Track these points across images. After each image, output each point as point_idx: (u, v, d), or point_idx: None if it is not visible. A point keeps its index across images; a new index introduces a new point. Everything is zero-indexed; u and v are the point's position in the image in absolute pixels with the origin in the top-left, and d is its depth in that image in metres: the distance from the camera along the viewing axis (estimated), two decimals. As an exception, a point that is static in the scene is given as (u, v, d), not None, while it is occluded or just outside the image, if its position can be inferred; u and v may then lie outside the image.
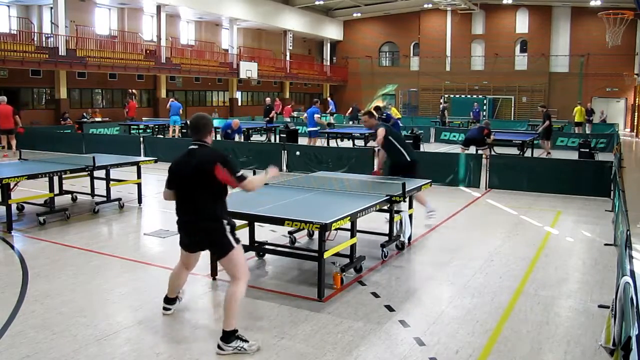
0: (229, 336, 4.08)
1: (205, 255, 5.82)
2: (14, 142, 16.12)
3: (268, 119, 21.09)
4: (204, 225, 4.24)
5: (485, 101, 35.87)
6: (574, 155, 15.01)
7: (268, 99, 23.13)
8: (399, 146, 7.72)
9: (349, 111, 29.24)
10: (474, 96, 35.22)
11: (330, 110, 31.32)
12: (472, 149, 14.54)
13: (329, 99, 30.65)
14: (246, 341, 4.10)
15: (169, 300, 4.79)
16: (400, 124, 20.92)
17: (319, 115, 17.45)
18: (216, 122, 18.87)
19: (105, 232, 7.92)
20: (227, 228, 4.23)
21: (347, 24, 42.28)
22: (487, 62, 37.52)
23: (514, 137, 16.22)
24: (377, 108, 19.29)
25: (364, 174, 9.77)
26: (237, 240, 4.27)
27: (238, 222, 6.00)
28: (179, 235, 4.51)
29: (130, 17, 28.30)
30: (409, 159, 7.71)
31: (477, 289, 5.47)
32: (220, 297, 5.24)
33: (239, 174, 4.23)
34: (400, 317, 4.75)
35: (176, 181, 4.34)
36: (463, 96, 36.33)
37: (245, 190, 4.35)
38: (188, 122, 4.57)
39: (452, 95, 37.64)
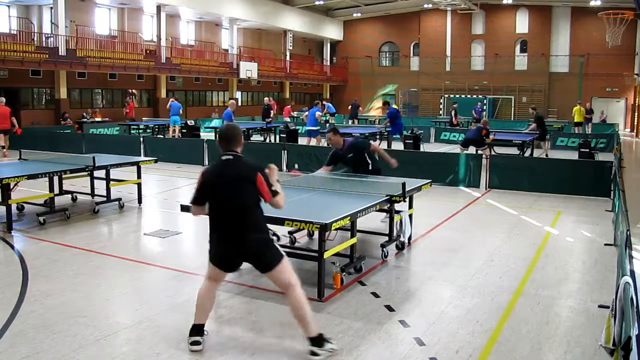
0: (318, 341, 4.00)
1: (205, 255, 5.82)
2: (7, 143, 16.13)
3: (269, 119, 21.09)
4: (252, 238, 4.04)
5: (485, 101, 35.83)
6: (574, 155, 15.01)
7: (266, 99, 23.12)
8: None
9: (350, 108, 29.21)
10: (474, 96, 35.19)
11: (326, 111, 31.27)
12: (471, 149, 14.54)
13: (325, 102, 30.75)
14: (330, 342, 4.07)
15: (199, 330, 4.15)
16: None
17: (320, 113, 17.48)
18: (216, 123, 18.94)
19: (105, 232, 7.92)
20: (274, 238, 4.17)
21: (347, 24, 42.28)
22: (487, 62, 37.51)
23: (514, 137, 16.22)
24: (385, 102, 19.28)
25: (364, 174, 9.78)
26: (281, 248, 4.21)
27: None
28: (214, 252, 4.19)
29: (130, 17, 28.30)
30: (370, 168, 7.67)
31: (477, 289, 5.47)
32: (221, 296, 5.24)
33: (274, 188, 4.12)
34: (400, 317, 4.75)
35: (215, 194, 4.09)
36: (464, 96, 36.32)
37: (274, 207, 4.19)
38: (217, 132, 4.54)
39: (452, 95, 37.63)
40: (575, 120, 24.97)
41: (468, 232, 7.93)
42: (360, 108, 30.21)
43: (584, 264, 6.44)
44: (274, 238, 4.14)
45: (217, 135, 4.23)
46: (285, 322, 4.62)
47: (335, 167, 7.85)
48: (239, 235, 4.05)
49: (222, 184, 4.05)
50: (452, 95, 37.55)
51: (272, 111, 22.34)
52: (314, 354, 3.98)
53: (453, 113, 25.96)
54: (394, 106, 19.98)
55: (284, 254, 4.17)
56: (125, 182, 9.63)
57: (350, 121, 28.38)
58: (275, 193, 4.12)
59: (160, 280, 5.71)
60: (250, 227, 4.05)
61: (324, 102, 27.36)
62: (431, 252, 6.90)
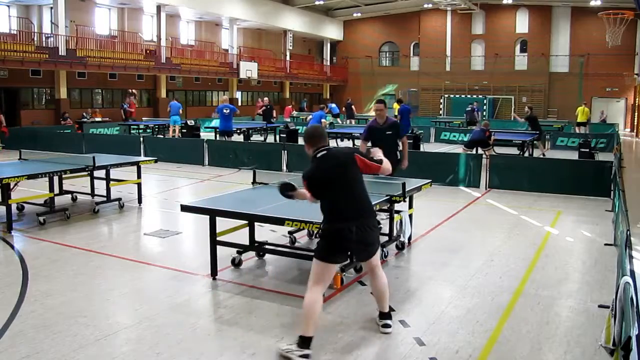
0: (389, 315, 4.50)
1: (205, 255, 5.84)
2: None
3: (274, 118, 21.09)
4: (369, 222, 4.19)
5: (485, 101, 35.87)
6: (574, 155, 15.01)
7: (266, 99, 23.11)
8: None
9: (344, 109, 29.23)
10: (474, 96, 35.19)
11: (328, 111, 31.18)
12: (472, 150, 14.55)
13: (328, 103, 30.70)
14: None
15: (307, 342, 3.96)
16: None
17: (325, 120, 17.35)
18: (216, 123, 18.94)
19: (105, 232, 7.92)
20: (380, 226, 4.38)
21: (347, 24, 42.28)
22: (487, 62, 37.51)
23: (514, 137, 16.22)
24: (399, 100, 19.25)
25: (363, 174, 9.78)
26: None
27: (238, 222, 6.05)
28: (327, 246, 4.14)
29: (130, 17, 28.30)
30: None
31: (477, 289, 5.47)
32: (221, 296, 5.24)
33: (376, 158, 4.43)
34: (400, 317, 4.75)
35: (331, 184, 4.15)
36: (463, 96, 36.33)
37: (385, 174, 4.54)
38: (305, 130, 4.57)
39: (452, 95, 37.64)
40: (579, 121, 24.94)
41: (468, 232, 7.93)
42: (353, 107, 30.11)
43: (584, 264, 6.43)
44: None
45: (308, 135, 4.42)
46: (285, 322, 4.63)
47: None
48: (364, 222, 4.16)
49: (335, 173, 4.19)
50: (452, 95, 37.58)
51: (273, 111, 22.36)
52: (386, 325, 4.42)
53: (476, 113, 25.51)
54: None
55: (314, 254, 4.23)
56: (125, 182, 9.63)
57: (348, 121, 28.38)
58: (379, 161, 4.42)
59: (160, 280, 5.71)
60: (369, 211, 4.28)
61: (327, 103, 27.41)
62: (431, 252, 6.90)
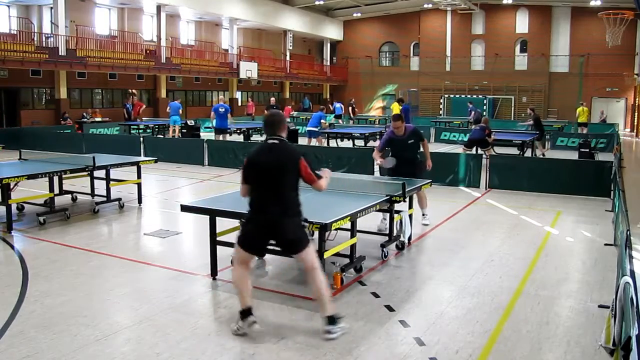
0: (334, 320, 4.33)
1: (205, 255, 5.84)
2: None
3: (288, 120, 21.15)
4: (288, 221, 4.27)
5: (485, 101, 35.87)
6: (574, 155, 15.01)
7: (273, 99, 23.14)
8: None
9: (348, 109, 29.20)
10: (474, 96, 35.20)
11: (332, 110, 31.12)
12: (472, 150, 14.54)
13: (337, 104, 30.69)
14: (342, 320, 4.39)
15: (248, 311, 4.34)
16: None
17: (324, 121, 17.45)
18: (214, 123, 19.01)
19: (105, 232, 7.92)
20: (306, 224, 4.42)
21: (347, 24, 42.27)
22: (487, 62, 37.51)
23: (514, 137, 16.22)
24: (400, 100, 19.24)
25: (364, 174, 9.79)
26: (311, 233, 4.51)
27: (237, 222, 6.04)
28: (244, 234, 4.40)
29: (130, 17, 28.30)
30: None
31: (477, 289, 5.47)
32: (221, 296, 5.25)
33: (317, 171, 4.44)
34: (400, 317, 4.75)
35: (258, 175, 4.30)
36: (463, 96, 36.34)
37: (317, 189, 4.51)
38: (263, 120, 4.62)
39: (452, 95, 37.63)
40: (580, 121, 24.93)
41: (468, 232, 7.92)
42: (356, 109, 30.06)
43: (584, 264, 6.44)
44: (306, 223, 4.42)
45: (264, 122, 4.56)
46: (285, 322, 4.63)
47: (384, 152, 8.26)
48: (275, 218, 4.25)
49: (266, 166, 4.27)
50: (452, 95, 37.57)
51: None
52: (329, 332, 4.29)
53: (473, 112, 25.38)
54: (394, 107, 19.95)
55: (310, 238, 4.44)
56: (125, 182, 9.63)
57: (351, 121, 28.35)
58: (318, 176, 4.45)
59: (160, 280, 5.71)
60: (287, 211, 4.27)
61: (333, 103, 27.33)
62: (431, 252, 6.90)
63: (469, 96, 35.61)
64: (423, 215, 8.21)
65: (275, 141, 4.35)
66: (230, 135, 18.56)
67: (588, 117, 25.71)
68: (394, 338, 4.36)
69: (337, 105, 29.99)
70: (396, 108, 19.79)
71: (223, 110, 17.24)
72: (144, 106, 25.48)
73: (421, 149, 8.15)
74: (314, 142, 17.17)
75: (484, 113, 34.20)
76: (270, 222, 4.27)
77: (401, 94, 36.46)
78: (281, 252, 4.73)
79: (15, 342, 4.20)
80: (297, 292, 5.29)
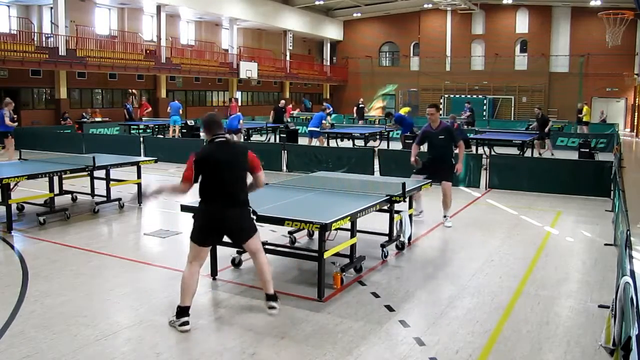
0: (276, 297, 4.72)
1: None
2: None
3: (288, 120, 21.41)
4: (242, 211, 4.64)
5: (485, 101, 35.87)
6: (574, 155, 15.01)
7: (283, 101, 23.23)
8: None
9: (355, 109, 29.01)
10: (474, 96, 35.20)
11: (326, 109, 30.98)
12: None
13: (325, 103, 30.82)
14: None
15: (185, 311, 4.49)
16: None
17: (325, 122, 17.50)
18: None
19: (105, 232, 7.92)
20: (254, 216, 4.78)
21: (347, 24, 42.26)
22: (487, 62, 37.49)
23: (514, 137, 16.22)
24: (388, 114, 19.25)
25: (364, 174, 9.80)
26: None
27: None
28: (198, 229, 4.61)
29: (130, 17, 28.29)
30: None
31: (477, 289, 5.47)
32: (221, 296, 5.25)
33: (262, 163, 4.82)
34: (400, 317, 4.75)
35: (214, 171, 4.56)
36: (464, 96, 36.33)
37: (259, 179, 4.79)
38: (201, 121, 5.07)
39: (452, 95, 37.63)
40: (585, 120, 24.86)
41: (468, 232, 7.92)
42: (357, 107, 29.88)
43: (584, 264, 6.44)
44: (253, 216, 4.80)
45: (206, 122, 4.77)
46: (285, 322, 4.63)
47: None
48: (228, 209, 4.59)
49: (221, 160, 4.58)
50: (452, 95, 37.56)
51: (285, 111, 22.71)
52: (273, 307, 4.68)
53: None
54: (402, 112, 19.78)
55: (256, 225, 4.83)
56: (125, 182, 9.63)
57: (360, 121, 28.13)
58: (262, 167, 4.81)
59: (160, 280, 5.71)
60: (239, 201, 4.64)
61: (325, 103, 27.33)
62: (431, 252, 6.90)
63: (468, 96, 35.61)
64: (444, 217, 8.22)
65: (223, 139, 4.69)
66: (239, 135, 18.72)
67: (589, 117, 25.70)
68: (394, 338, 4.36)
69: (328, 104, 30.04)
70: (404, 111, 19.75)
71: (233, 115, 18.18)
72: (150, 108, 25.53)
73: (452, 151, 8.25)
74: (315, 142, 17.16)
75: (484, 113, 34.28)
76: (226, 213, 4.58)
77: (401, 95, 36.60)
78: (231, 243, 5.05)
79: (15, 342, 4.20)
80: (297, 292, 5.29)
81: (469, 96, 35.62)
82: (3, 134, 14.11)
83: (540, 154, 16.60)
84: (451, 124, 14.72)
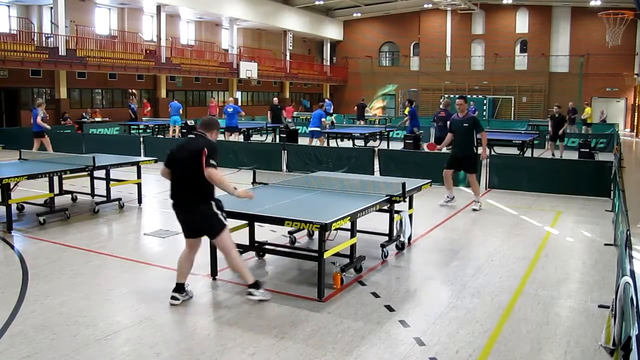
0: (256, 285, 5.01)
1: (205, 255, 5.84)
2: None
3: (289, 120, 21.49)
4: (196, 209, 4.76)
5: (485, 101, 35.85)
6: (574, 155, 15.01)
7: (276, 99, 23.23)
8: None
9: (356, 108, 28.90)
10: (474, 96, 35.19)
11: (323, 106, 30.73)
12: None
13: (327, 99, 30.71)
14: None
15: (179, 288, 4.96)
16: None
17: (325, 120, 17.54)
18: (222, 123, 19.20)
19: (105, 232, 7.92)
20: (216, 209, 4.78)
21: (347, 24, 42.27)
22: (487, 62, 37.50)
23: (514, 137, 16.22)
24: (410, 101, 19.29)
25: (364, 174, 9.80)
26: (225, 219, 4.88)
27: (238, 222, 6.04)
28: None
29: (130, 17, 28.29)
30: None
31: (477, 289, 5.47)
32: (221, 297, 5.25)
33: (213, 162, 4.64)
34: (400, 317, 4.75)
35: (173, 165, 4.82)
36: (467, 96, 36.30)
37: (209, 179, 4.64)
38: (199, 121, 5.31)
39: (452, 95, 37.58)
40: (588, 121, 24.79)
41: (468, 232, 7.93)
42: (357, 107, 29.71)
43: (584, 264, 6.43)
44: (216, 208, 4.81)
45: (201, 122, 5.07)
46: (285, 322, 4.63)
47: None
48: (184, 204, 4.81)
49: (179, 154, 4.79)
50: (452, 95, 37.51)
51: (283, 111, 22.79)
52: (251, 294, 4.98)
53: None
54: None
55: (225, 224, 4.88)
56: (125, 182, 9.63)
57: (360, 122, 28.03)
58: (211, 165, 4.62)
59: (160, 280, 5.71)
60: (193, 197, 4.74)
61: (326, 100, 27.20)
62: (431, 252, 6.90)
63: (468, 96, 35.55)
64: (475, 202, 9.39)
65: (193, 135, 4.88)
66: (240, 134, 18.93)
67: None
68: (394, 338, 4.36)
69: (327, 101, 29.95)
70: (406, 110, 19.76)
71: (232, 110, 18.19)
72: (149, 107, 25.64)
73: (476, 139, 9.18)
74: (315, 142, 17.13)
75: (484, 113, 34.24)
76: (184, 214, 4.86)
77: (408, 95, 36.51)
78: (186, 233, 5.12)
79: (16, 342, 4.20)
80: (297, 292, 5.29)
81: (468, 96, 35.58)
82: (36, 134, 14.70)
83: (553, 154, 16.51)
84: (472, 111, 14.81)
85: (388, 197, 6.05)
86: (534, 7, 35.93)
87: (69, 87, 24.60)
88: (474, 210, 9.20)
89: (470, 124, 9.17)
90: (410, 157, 12.92)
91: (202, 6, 29.16)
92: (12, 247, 6.86)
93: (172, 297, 4.91)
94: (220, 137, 17.01)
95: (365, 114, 29.93)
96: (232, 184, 4.84)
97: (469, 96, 35.17)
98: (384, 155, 12.84)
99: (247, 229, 6.15)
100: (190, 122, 20.76)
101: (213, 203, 4.80)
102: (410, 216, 7.03)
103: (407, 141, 17.00)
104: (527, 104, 36.34)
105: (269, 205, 5.60)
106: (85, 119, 23.63)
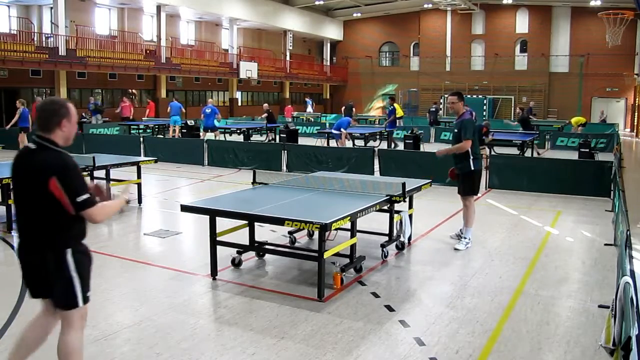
0: None
1: (205, 255, 5.84)
2: None
3: (289, 120, 21.66)
4: (41, 259, 3.10)
5: (485, 101, 35.86)
6: (574, 155, 15.01)
7: (266, 105, 23.22)
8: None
9: (343, 110, 28.94)
10: (474, 96, 35.21)
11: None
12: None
13: (307, 99, 31.01)
14: None
15: None
16: (401, 123, 20.95)
17: (344, 130, 17.20)
18: (220, 123, 19.41)
19: (105, 232, 7.92)
20: (72, 266, 3.06)
21: (347, 24, 42.29)
22: (487, 62, 37.53)
23: (514, 137, 16.21)
24: (391, 97, 19.22)
25: (364, 174, 9.79)
26: (85, 297, 3.14)
27: (238, 222, 6.04)
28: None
29: (130, 17, 28.31)
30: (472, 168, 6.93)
31: (477, 289, 5.47)
32: (221, 296, 5.25)
33: (82, 198, 3.00)
34: (400, 317, 4.75)
35: (13, 189, 3.19)
36: (467, 96, 36.31)
37: (91, 221, 3.11)
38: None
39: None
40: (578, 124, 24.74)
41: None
42: (354, 109, 29.55)
43: (584, 264, 6.43)
44: (73, 265, 3.07)
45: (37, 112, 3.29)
46: (285, 321, 4.63)
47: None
48: (21, 250, 3.22)
49: (15, 178, 3.12)
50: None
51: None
52: None
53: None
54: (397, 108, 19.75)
55: (81, 304, 3.15)
56: (125, 182, 9.63)
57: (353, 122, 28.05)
58: (83, 205, 3.01)
59: (160, 280, 5.71)
60: (32, 242, 3.13)
61: (307, 99, 27.15)
62: (431, 252, 6.89)
63: (468, 96, 35.57)
64: (461, 237, 7.09)
65: (34, 146, 3.07)
66: (216, 133, 19.35)
67: (585, 121, 25.53)
68: (394, 338, 4.36)
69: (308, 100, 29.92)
70: (398, 109, 19.67)
71: (209, 110, 19.10)
72: (152, 107, 25.78)
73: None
74: (333, 143, 17.15)
75: (484, 113, 34.22)
76: (25, 259, 3.21)
77: (401, 94, 36.61)
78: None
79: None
80: (297, 292, 5.29)
81: (468, 96, 35.60)
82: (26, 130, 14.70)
83: (539, 153, 16.59)
84: (479, 127, 13.97)
85: (388, 197, 6.05)
86: (534, 7, 35.94)
87: (69, 87, 24.61)
88: (456, 249, 6.82)
89: (458, 130, 6.89)
90: (411, 157, 12.91)
91: (202, 6, 29.17)
92: (12, 247, 6.86)
93: None
94: (210, 137, 17.14)
95: (354, 116, 29.80)
96: (113, 199, 3.57)
97: (468, 96, 35.22)
98: (384, 155, 12.84)
99: (247, 229, 6.15)
100: (190, 122, 20.75)
101: (69, 251, 3.07)
102: (410, 216, 7.03)
103: (407, 141, 17.00)
104: (527, 104, 36.31)
105: (269, 205, 5.60)
106: (85, 119, 23.60)
